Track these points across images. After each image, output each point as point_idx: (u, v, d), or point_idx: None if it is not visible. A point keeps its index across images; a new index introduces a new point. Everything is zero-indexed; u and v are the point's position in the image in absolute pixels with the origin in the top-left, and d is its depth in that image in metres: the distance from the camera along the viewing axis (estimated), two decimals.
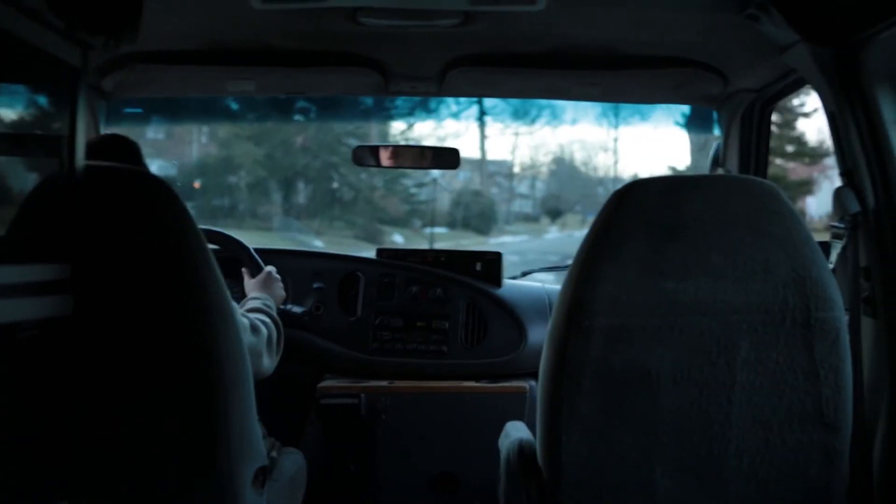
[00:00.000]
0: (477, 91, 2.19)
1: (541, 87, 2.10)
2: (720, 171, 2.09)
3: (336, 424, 2.04)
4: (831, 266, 1.37)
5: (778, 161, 9.34)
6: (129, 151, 1.61)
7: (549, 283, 2.23)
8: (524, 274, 2.34)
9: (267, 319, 1.60)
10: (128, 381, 1.14)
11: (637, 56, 1.84)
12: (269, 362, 1.57)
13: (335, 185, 11.29)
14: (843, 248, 1.38)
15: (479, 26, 1.63)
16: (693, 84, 1.95)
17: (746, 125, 2.02)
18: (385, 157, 2.11)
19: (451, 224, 12.18)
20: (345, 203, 11.45)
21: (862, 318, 1.36)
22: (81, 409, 1.12)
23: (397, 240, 10.88)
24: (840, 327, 1.18)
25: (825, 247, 1.38)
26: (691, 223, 1.18)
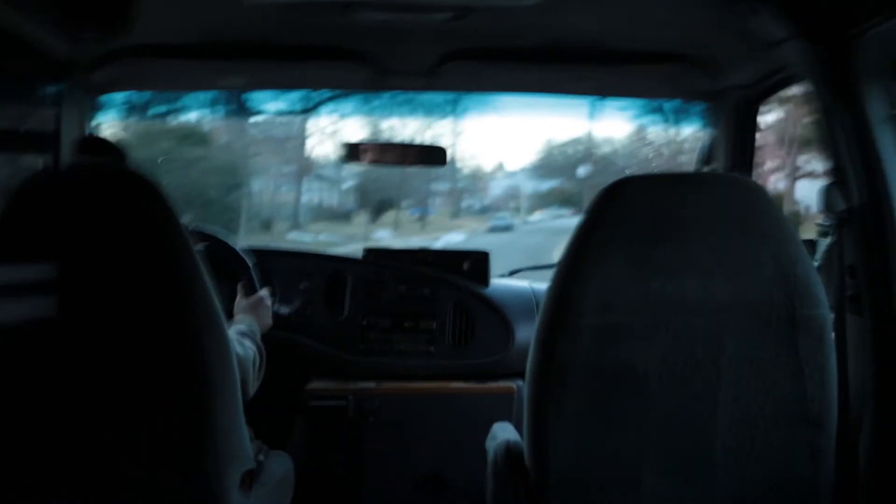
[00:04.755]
0: (470, 85, 2.18)
1: (534, 82, 2.09)
2: (706, 168, 2.09)
3: (324, 426, 2.03)
4: (817, 264, 1.37)
5: None
6: (114, 152, 1.59)
7: (537, 282, 2.22)
8: (512, 273, 2.33)
9: (251, 345, 1.59)
10: (112, 381, 1.14)
11: (630, 51, 1.83)
12: (248, 387, 1.55)
13: None
14: (830, 246, 1.38)
15: (473, 21, 1.63)
16: (685, 79, 1.95)
17: (736, 122, 2.01)
18: (370, 154, 2.10)
19: None
20: None
21: (847, 315, 1.36)
22: (66, 410, 1.11)
23: None
24: (825, 325, 1.19)
25: (811, 244, 1.38)
26: (679, 221, 1.18)
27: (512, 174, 15.15)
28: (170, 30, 1.75)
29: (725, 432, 1.18)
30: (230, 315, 1.72)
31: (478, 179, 14.95)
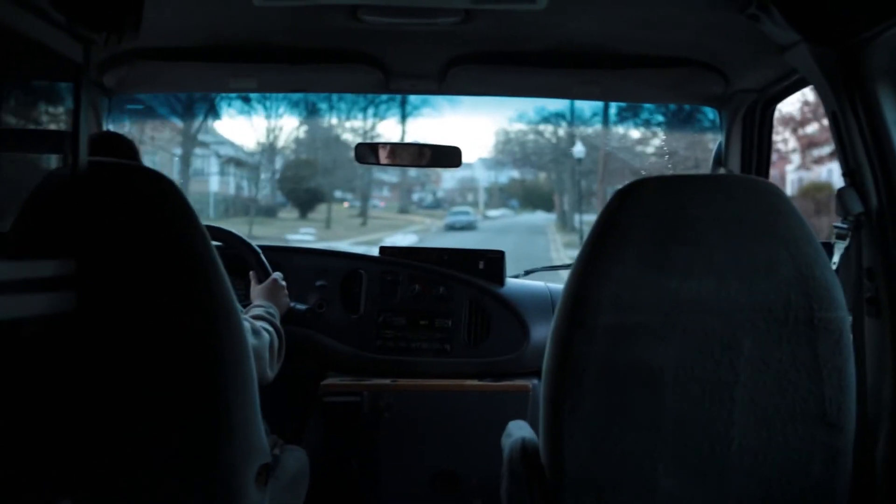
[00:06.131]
0: (478, 89, 2.20)
1: (541, 86, 2.10)
2: (721, 170, 2.10)
3: (339, 422, 2.04)
4: (834, 266, 1.37)
5: None
6: (126, 150, 1.60)
7: (552, 282, 2.23)
8: (527, 272, 2.35)
9: (269, 328, 1.60)
10: (130, 377, 1.14)
11: (638, 55, 1.84)
12: (269, 370, 1.56)
13: None
14: (847, 249, 1.38)
15: (480, 24, 1.64)
16: (694, 84, 1.96)
17: (748, 125, 2.02)
18: (385, 155, 2.11)
19: None
20: None
21: (865, 318, 1.36)
22: (84, 405, 1.12)
23: None
24: (843, 327, 1.19)
25: (828, 247, 1.38)
26: (695, 222, 1.18)
27: (468, 164, 13.52)
28: (181, 32, 1.76)
29: (741, 433, 1.18)
30: (246, 306, 1.73)
31: (430, 169, 13.68)
